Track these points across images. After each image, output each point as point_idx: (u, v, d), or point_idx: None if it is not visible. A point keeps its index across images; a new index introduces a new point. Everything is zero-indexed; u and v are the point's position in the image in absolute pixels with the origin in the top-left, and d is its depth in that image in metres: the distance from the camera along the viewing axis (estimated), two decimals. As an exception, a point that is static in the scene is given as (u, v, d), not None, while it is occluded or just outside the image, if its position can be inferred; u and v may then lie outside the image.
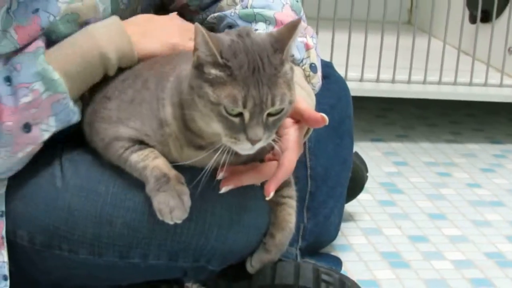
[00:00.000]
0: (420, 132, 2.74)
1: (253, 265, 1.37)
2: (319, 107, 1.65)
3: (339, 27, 2.43)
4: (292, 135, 1.29)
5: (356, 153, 1.92)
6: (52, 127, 1.30)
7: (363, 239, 1.86)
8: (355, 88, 2.32)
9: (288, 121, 1.29)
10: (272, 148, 1.30)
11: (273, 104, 1.15)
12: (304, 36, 1.46)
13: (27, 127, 1.28)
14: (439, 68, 2.52)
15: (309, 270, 1.37)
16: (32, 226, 1.34)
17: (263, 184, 1.36)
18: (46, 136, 1.31)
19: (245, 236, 1.33)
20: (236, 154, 1.25)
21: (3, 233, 1.34)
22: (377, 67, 2.48)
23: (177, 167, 1.29)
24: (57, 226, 1.33)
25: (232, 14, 1.43)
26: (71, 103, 1.31)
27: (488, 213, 2.05)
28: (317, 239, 1.60)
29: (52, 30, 1.32)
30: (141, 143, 1.30)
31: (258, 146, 1.17)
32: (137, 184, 1.30)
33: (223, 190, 1.26)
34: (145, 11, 1.47)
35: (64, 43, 1.33)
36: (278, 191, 1.38)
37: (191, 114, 1.21)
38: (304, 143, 1.61)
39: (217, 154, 1.20)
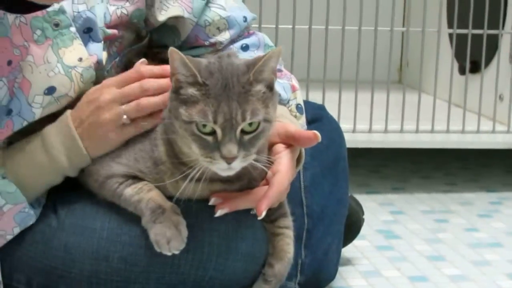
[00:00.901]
0: (415, 184, 2.73)
1: (253, 297, 1.36)
2: (312, 148, 1.66)
3: (329, 88, 2.45)
4: (283, 158, 1.31)
5: (352, 196, 1.92)
6: (16, 233, 1.33)
7: (362, 281, 1.84)
8: (348, 140, 2.33)
9: (280, 146, 1.31)
10: (265, 175, 1.31)
11: (243, 119, 1.17)
12: (290, 80, 1.49)
13: None
14: (431, 118, 2.53)
15: (307, 300, 1.36)
16: (29, 268, 1.34)
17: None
18: (9, 239, 1.33)
19: (244, 265, 1.32)
20: (229, 182, 1.26)
21: (0, 278, 1.33)
22: (369, 119, 2.49)
23: (172, 199, 1.29)
24: (54, 266, 1.32)
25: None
26: (31, 210, 1.32)
27: (487, 253, 2.03)
28: (316, 275, 1.59)
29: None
30: (135, 178, 1.30)
31: (235, 165, 1.19)
32: (132, 218, 1.30)
33: (218, 213, 1.26)
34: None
35: (18, 151, 1.33)
36: (274, 221, 1.39)
37: (173, 138, 1.24)
38: (299, 182, 1.62)
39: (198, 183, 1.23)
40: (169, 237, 1.23)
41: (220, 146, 1.18)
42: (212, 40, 1.51)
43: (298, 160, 1.38)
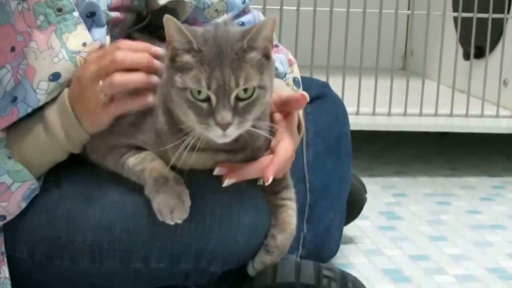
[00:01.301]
0: (417, 168, 2.73)
1: (255, 267, 1.36)
2: (316, 125, 1.67)
3: (332, 73, 2.44)
4: (283, 126, 1.31)
5: (355, 175, 1.93)
6: (22, 208, 1.32)
7: (364, 259, 1.84)
8: (352, 123, 2.33)
9: (277, 115, 1.32)
10: (269, 145, 1.31)
11: (237, 85, 1.17)
12: (287, 55, 1.50)
13: (1, 218, 1.31)
14: (435, 103, 2.54)
15: (309, 267, 1.36)
16: (32, 238, 1.34)
17: (262, 186, 1.38)
18: (16, 213, 1.33)
19: (246, 236, 1.32)
20: (233, 152, 1.27)
21: (2, 248, 1.33)
22: (373, 102, 2.50)
23: (175, 170, 1.29)
24: (57, 236, 1.32)
25: None
26: (37, 184, 1.32)
27: (488, 235, 2.04)
28: (318, 249, 1.59)
29: None
30: (138, 149, 1.31)
31: (230, 132, 1.18)
32: (135, 188, 1.29)
33: (226, 183, 1.27)
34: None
35: (21, 131, 1.32)
36: (277, 193, 1.39)
37: (170, 106, 1.23)
38: (302, 158, 1.63)
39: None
40: (172, 207, 1.23)
41: (214, 112, 1.17)
42: (211, 23, 1.51)
43: (299, 128, 1.38)
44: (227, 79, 1.17)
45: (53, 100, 1.33)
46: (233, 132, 1.19)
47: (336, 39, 2.46)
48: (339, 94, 2.36)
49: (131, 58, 1.27)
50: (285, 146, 1.29)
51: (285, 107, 1.32)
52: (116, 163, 1.31)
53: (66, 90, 1.32)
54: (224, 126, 1.17)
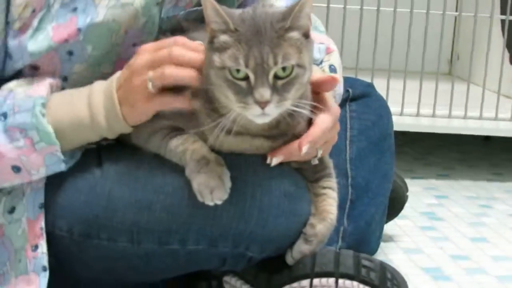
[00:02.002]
0: (460, 172, 2.72)
1: (293, 257, 1.35)
2: (360, 123, 1.67)
3: (377, 76, 2.44)
4: (322, 101, 1.31)
5: (397, 173, 1.91)
6: (41, 174, 1.31)
7: (404, 257, 1.83)
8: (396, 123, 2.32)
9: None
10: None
11: (275, 63, 1.17)
12: (328, 43, 1.50)
13: (16, 169, 1.30)
14: (479, 106, 2.52)
15: (349, 256, 1.35)
16: (71, 215, 1.34)
17: (303, 173, 1.38)
18: (35, 178, 1.31)
19: (285, 222, 1.32)
20: (273, 137, 1.27)
21: (42, 224, 1.34)
22: (417, 103, 2.48)
23: (217, 152, 1.29)
24: (96, 214, 1.32)
25: None
26: (62, 155, 1.31)
27: (531, 238, 2.02)
28: (358, 244, 1.58)
29: (88, 39, 1.33)
30: (179, 130, 1.31)
31: (269, 110, 1.18)
32: (176, 169, 1.30)
33: (274, 161, 1.28)
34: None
35: (65, 98, 1.32)
36: (318, 181, 1.39)
37: (210, 89, 1.23)
38: (346, 154, 1.63)
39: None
40: (212, 187, 1.23)
41: (253, 90, 1.17)
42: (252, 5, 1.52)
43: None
44: (265, 57, 1.16)
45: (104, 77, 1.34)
46: (272, 111, 1.18)
47: (382, 41, 2.46)
48: (384, 95, 2.36)
49: (188, 56, 1.26)
50: (324, 117, 1.29)
51: (316, 88, 1.32)
52: (159, 145, 1.32)
53: (119, 73, 1.32)
54: (263, 104, 1.17)
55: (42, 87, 1.31)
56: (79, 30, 1.32)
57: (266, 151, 1.32)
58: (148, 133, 1.33)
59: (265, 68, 1.17)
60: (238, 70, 1.18)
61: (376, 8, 2.45)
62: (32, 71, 1.35)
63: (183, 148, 1.28)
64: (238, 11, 1.23)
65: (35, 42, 1.31)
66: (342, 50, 2.39)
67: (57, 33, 1.32)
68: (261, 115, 1.18)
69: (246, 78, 1.18)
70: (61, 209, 1.34)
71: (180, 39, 1.29)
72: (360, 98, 1.70)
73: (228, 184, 1.26)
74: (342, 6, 2.44)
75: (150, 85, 1.25)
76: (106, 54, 1.36)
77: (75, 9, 1.32)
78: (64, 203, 1.34)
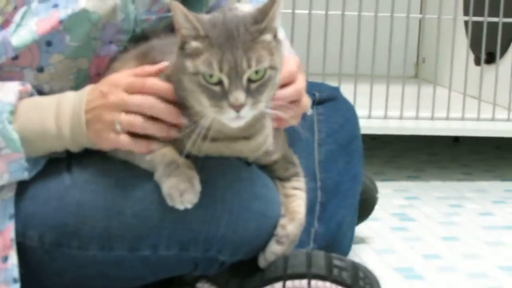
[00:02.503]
0: (430, 173, 2.73)
1: (266, 258, 1.36)
2: (328, 126, 1.68)
3: (344, 81, 2.43)
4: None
5: (366, 174, 1.93)
6: (4, 180, 1.32)
7: (376, 258, 1.84)
8: (364, 126, 2.33)
9: None
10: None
11: (249, 66, 1.19)
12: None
13: None
14: (446, 107, 2.54)
15: (321, 257, 1.36)
16: (42, 225, 1.34)
17: (273, 172, 1.39)
18: None
19: (256, 224, 1.33)
20: (250, 138, 1.31)
21: (12, 235, 1.33)
22: (385, 106, 2.50)
23: (190, 157, 1.30)
24: (66, 223, 1.33)
25: None
26: (25, 163, 1.32)
27: (501, 235, 2.03)
28: (329, 246, 1.58)
29: (68, 29, 1.35)
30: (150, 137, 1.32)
31: (244, 113, 1.20)
32: (146, 174, 1.30)
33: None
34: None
35: (34, 105, 1.33)
36: (287, 181, 1.40)
37: (182, 95, 1.25)
38: (314, 156, 1.64)
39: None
40: (182, 190, 1.24)
41: (227, 94, 1.19)
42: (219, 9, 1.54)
43: None
44: (239, 61, 1.18)
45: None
46: (247, 113, 1.20)
47: (348, 46, 2.47)
48: (351, 100, 2.37)
49: (158, 110, 1.28)
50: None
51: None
52: (127, 152, 1.32)
53: (89, 88, 1.33)
54: (238, 108, 1.18)
55: (11, 94, 1.31)
56: (61, 22, 1.33)
57: (247, 154, 1.34)
58: None
59: (238, 71, 1.18)
60: (211, 75, 1.19)
61: (341, 13, 2.46)
62: (10, 61, 1.35)
63: (152, 153, 1.29)
64: (207, 17, 1.24)
65: (18, 37, 1.33)
66: (308, 56, 2.40)
67: (41, 27, 1.33)
68: (236, 119, 1.20)
69: (220, 82, 1.19)
70: (31, 219, 1.34)
71: (150, 82, 1.29)
72: (327, 101, 1.71)
73: (198, 187, 1.26)
74: (307, 11, 2.44)
75: (118, 127, 1.27)
76: (84, 46, 1.38)
77: (56, 5, 1.33)
78: (34, 213, 1.34)
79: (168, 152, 1.28)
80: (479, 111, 2.55)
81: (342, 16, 2.47)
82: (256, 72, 1.20)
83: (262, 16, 1.22)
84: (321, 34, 2.44)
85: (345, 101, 1.77)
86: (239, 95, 1.18)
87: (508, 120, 2.56)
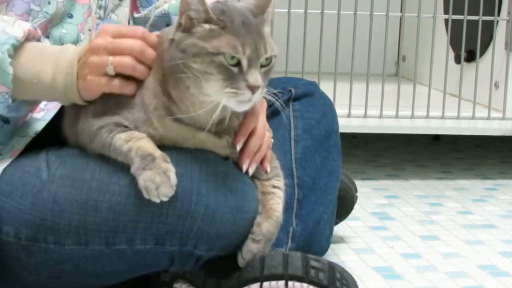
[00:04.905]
0: (410, 172, 2.73)
1: (243, 257, 1.35)
2: (304, 121, 1.68)
3: (324, 79, 2.42)
4: None
5: (345, 173, 1.92)
6: None
7: (355, 257, 1.84)
8: (343, 125, 2.32)
9: None
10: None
11: (265, 51, 1.25)
12: None
13: None
14: (426, 105, 2.53)
15: (297, 258, 1.35)
16: (18, 220, 1.33)
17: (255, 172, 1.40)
18: None
19: (232, 218, 1.32)
20: (218, 134, 1.33)
21: (-12, 232, 1.33)
22: (364, 105, 2.49)
23: (163, 150, 1.30)
24: (42, 218, 1.32)
25: (165, 8, 1.62)
26: (10, 101, 1.32)
27: (480, 234, 2.03)
28: (308, 244, 1.58)
29: None
30: (126, 127, 1.32)
31: (256, 96, 1.25)
32: (122, 168, 1.30)
33: (251, 170, 1.38)
34: None
35: (38, 49, 1.35)
36: (267, 180, 1.40)
37: (181, 81, 1.26)
38: (291, 154, 1.63)
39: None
40: (158, 183, 1.24)
41: (246, 75, 1.23)
42: None
43: None
44: (258, 45, 1.24)
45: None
46: (257, 97, 1.25)
47: (327, 44, 2.46)
48: (331, 98, 2.36)
49: (149, 54, 1.32)
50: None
51: None
52: (103, 143, 1.32)
53: (83, 45, 1.36)
54: (255, 89, 1.23)
55: (20, 30, 1.33)
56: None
57: (208, 147, 1.34)
58: (96, 128, 1.33)
59: (258, 54, 1.24)
60: (232, 57, 1.23)
61: (320, 11, 2.45)
62: None
63: (128, 146, 1.29)
64: (209, 2, 1.28)
65: None
66: (288, 54, 2.39)
67: None
68: (247, 102, 1.25)
69: (237, 64, 1.24)
70: (7, 215, 1.34)
71: (141, 30, 1.33)
72: (303, 97, 1.71)
73: (174, 180, 1.26)
74: (286, 10, 2.43)
75: (111, 68, 1.30)
76: None
77: None
78: (10, 209, 1.34)
79: (144, 145, 1.28)
80: (459, 109, 2.54)
81: (321, 14, 2.45)
82: (266, 58, 1.26)
83: (259, 10, 1.28)
84: (300, 32, 2.42)
85: (322, 96, 1.77)
86: (257, 77, 1.24)
87: (488, 118, 2.56)
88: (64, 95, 1.33)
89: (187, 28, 1.26)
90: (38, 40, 1.39)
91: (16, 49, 1.32)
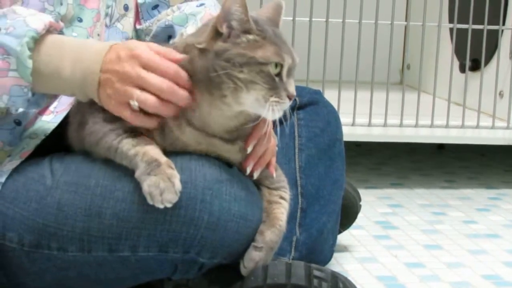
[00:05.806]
0: (414, 180, 2.73)
1: (245, 266, 1.35)
2: (308, 130, 1.68)
3: (328, 87, 2.43)
4: None
5: (349, 182, 1.91)
6: (3, 102, 1.32)
7: (358, 266, 1.83)
8: (347, 133, 2.32)
9: None
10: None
11: (297, 61, 1.29)
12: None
13: None
14: (431, 114, 2.53)
15: (300, 267, 1.35)
16: (22, 226, 1.33)
17: (262, 181, 1.41)
18: None
19: (236, 226, 1.32)
20: (231, 141, 1.34)
21: (-8, 237, 1.33)
22: (369, 113, 2.49)
23: (168, 156, 1.29)
24: (46, 224, 1.32)
25: (169, 20, 1.62)
26: (30, 94, 1.32)
27: (484, 243, 2.03)
28: (311, 253, 1.58)
29: None
30: (134, 132, 1.31)
31: (287, 105, 1.27)
32: (127, 174, 1.30)
33: (255, 175, 1.37)
34: None
35: (59, 43, 1.34)
36: (276, 190, 1.40)
37: (217, 89, 1.26)
38: (294, 163, 1.63)
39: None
40: (162, 189, 1.23)
41: (286, 85, 1.26)
42: None
43: None
44: (294, 55, 1.27)
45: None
46: (287, 106, 1.27)
47: (332, 52, 2.46)
48: (335, 106, 2.36)
49: (177, 97, 1.28)
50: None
51: None
52: (109, 147, 1.31)
53: (108, 47, 1.32)
54: (292, 98, 1.26)
55: (40, 23, 1.32)
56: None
57: (220, 152, 1.34)
58: (103, 133, 1.32)
59: (295, 64, 1.28)
60: (276, 66, 1.25)
61: (325, 19, 2.45)
62: None
63: (134, 151, 1.28)
64: None
65: None
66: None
67: None
68: (282, 110, 1.26)
69: (278, 74, 1.25)
70: (11, 221, 1.34)
71: (173, 69, 1.29)
72: (307, 105, 1.71)
73: (179, 186, 1.26)
74: (291, 18, 2.43)
75: (135, 105, 1.27)
76: None
77: None
78: (14, 215, 1.34)
79: (150, 151, 1.27)
80: (464, 118, 2.54)
81: (326, 23, 2.46)
82: None
83: (273, 24, 1.31)
84: (305, 40, 2.42)
85: (326, 105, 1.77)
86: (294, 86, 1.27)
87: (492, 127, 2.55)
88: (80, 92, 1.32)
89: (229, 36, 1.26)
90: (61, 32, 1.38)
91: (37, 41, 1.31)
